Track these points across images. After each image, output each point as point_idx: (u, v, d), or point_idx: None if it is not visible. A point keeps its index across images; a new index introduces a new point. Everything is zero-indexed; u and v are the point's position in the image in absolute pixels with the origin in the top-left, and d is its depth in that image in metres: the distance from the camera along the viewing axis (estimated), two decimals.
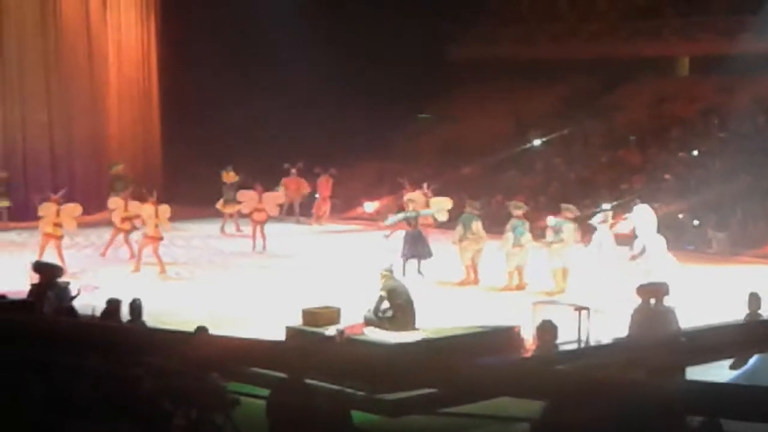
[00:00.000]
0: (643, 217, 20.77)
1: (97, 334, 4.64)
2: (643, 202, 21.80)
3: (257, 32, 34.01)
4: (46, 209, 23.32)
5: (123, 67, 35.56)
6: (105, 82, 34.95)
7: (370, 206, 27.80)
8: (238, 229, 29.09)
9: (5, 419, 5.63)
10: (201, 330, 11.54)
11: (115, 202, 25.57)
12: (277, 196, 28.69)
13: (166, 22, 35.80)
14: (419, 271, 21.77)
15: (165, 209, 23.63)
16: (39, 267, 16.15)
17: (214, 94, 33.94)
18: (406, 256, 21.92)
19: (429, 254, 22.12)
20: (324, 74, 33.50)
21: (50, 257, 21.28)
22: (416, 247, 22.13)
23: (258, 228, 26.71)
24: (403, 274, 20.58)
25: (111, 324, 11.23)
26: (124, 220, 24.75)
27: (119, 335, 4.80)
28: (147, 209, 23.67)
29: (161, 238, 23.15)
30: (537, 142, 34.41)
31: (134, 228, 24.96)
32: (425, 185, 26.51)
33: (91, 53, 34.47)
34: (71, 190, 29.71)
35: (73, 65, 33.94)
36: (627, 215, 21.93)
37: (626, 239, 21.07)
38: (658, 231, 20.38)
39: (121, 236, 24.99)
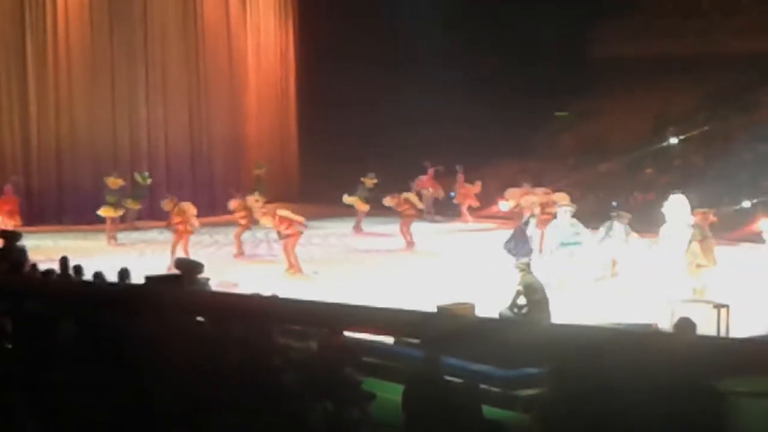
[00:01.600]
0: (678, 207, 20.66)
1: (242, 303, 4.74)
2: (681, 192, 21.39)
3: (396, 33, 34.25)
4: (170, 207, 24.09)
5: (261, 68, 36.18)
6: (244, 83, 35.60)
7: (505, 205, 27.68)
8: (360, 230, 29.47)
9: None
10: None
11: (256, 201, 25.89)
12: (416, 199, 28.95)
13: (304, 24, 36.28)
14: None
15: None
16: (180, 264, 16.47)
17: (351, 94, 34.27)
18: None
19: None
20: (463, 73, 33.54)
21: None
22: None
23: (405, 225, 26.97)
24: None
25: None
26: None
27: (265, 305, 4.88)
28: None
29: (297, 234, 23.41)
30: (674, 140, 33.85)
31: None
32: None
33: (231, 55, 35.15)
34: (210, 190, 30.40)
35: (214, 67, 34.65)
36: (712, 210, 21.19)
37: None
38: None
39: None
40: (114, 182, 28.62)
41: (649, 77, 36.58)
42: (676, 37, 37.65)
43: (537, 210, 24.34)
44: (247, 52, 35.73)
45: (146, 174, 31.35)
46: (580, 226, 21.94)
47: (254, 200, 26.10)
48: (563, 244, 21.65)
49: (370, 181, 30.00)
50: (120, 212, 28.39)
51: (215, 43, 34.75)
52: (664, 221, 20.63)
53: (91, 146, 32.64)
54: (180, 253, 22.66)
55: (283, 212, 23.48)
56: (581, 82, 37.44)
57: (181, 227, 23.73)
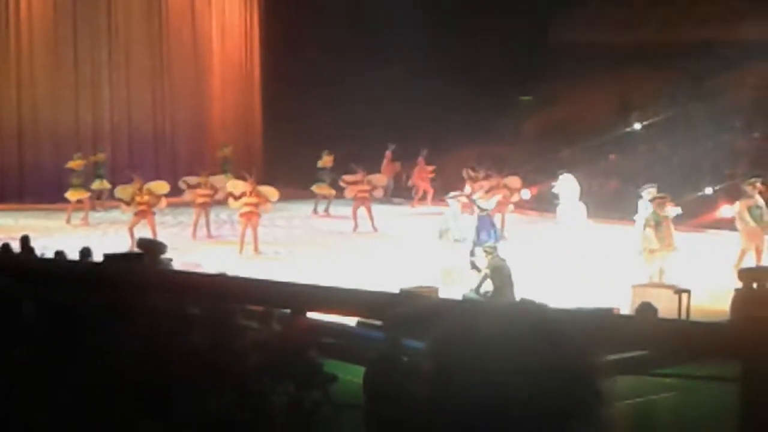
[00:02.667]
0: (567, 185, 22.13)
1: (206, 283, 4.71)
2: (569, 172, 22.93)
3: (362, 16, 34.14)
4: (124, 191, 24.02)
5: (226, 49, 36.03)
6: (208, 64, 35.44)
7: (526, 193, 27.24)
8: (328, 213, 29.52)
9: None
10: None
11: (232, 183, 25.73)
12: (380, 178, 29.05)
13: (269, 5, 36.12)
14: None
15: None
16: (143, 243, 16.33)
17: (316, 76, 34.19)
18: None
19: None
20: (429, 57, 33.51)
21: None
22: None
23: (364, 209, 26.99)
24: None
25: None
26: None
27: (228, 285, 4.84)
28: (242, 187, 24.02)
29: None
30: (638, 126, 34.05)
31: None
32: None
33: (195, 36, 34.99)
34: (174, 170, 30.33)
35: (178, 48, 34.48)
36: (554, 183, 23.18)
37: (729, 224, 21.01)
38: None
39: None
40: (77, 164, 28.52)
41: (613, 63, 36.65)
42: (639, 24, 37.78)
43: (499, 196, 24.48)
44: (211, 33, 35.54)
45: (100, 149, 31.09)
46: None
47: (225, 179, 26.15)
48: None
49: (326, 160, 30.02)
50: (86, 194, 28.26)
51: (179, 23, 34.55)
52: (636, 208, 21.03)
53: (54, 126, 32.44)
54: (146, 233, 22.55)
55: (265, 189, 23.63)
56: (546, 68, 37.49)
57: (145, 207, 23.63)
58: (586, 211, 21.88)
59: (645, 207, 20.54)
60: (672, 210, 19.96)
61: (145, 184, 23.98)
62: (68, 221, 27.49)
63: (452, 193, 22.43)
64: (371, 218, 26.92)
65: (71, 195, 27.80)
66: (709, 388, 10.71)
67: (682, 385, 12.41)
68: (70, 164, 28.49)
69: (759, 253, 20.61)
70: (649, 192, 20.92)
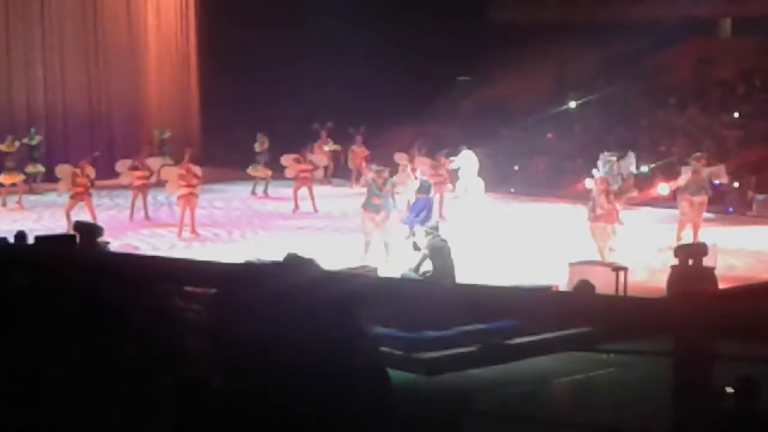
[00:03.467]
0: (467, 161, 24.18)
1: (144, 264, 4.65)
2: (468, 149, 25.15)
3: None
4: (64, 171, 23.80)
5: (161, 28, 35.69)
6: (143, 43, 35.08)
7: (590, 182, 26.83)
8: (266, 194, 29.42)
9: None
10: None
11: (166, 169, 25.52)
12: (321, 159, 29.01)
13: None
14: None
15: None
16: (80, 226, 16.17)
17: (251, 56, 33.99)
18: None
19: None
20: (365, 37, 33.42)
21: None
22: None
23: (305, 189, 26.94)
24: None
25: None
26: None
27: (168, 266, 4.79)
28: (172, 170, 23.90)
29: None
30: (574, 104, 34.29)
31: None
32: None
33: (130, 15, 34.62)
34: (110, 152, 30.08)
35: (112, 26, 34.12)
36: (453, 158, 25.18)
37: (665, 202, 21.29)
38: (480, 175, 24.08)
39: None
40: (8, 147, 28.15)
41: (549, 42, 36.84)
42: (575, 2, 37.98)
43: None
44: (146, 12, 35.15)
45: (33, 131, 30.51)
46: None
47: (164, 162, 26.00)
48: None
49: (261, 144, 29.90)
50: (20, 177, 27.91)
51: (114, 3, 34.16)
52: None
53: None
54: (81, 216, 22.32)
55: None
56: (483, 48, 37.57)
57: (82, 190, 23.39)
58: (484, 186, 23.96)
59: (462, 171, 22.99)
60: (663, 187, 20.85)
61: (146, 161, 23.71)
62: (3, 204, 27.16)
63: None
64: (312, 198, 26.85)
65: (5, 179, 27.46)
66: (647, 364, 10.85)
67: (621, 362, 12.55)
68: (2, 147, 28.11)
69: (696, 228, 20.86)
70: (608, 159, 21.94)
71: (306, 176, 27.16)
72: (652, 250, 20.23)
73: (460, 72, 38.49)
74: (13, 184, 27.57)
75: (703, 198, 21.12)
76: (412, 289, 3.29)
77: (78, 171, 23.60)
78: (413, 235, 20.09)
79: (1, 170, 27.54)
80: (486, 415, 10.88)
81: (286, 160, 27.61)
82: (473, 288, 2.90)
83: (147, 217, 25.11)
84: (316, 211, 26.58)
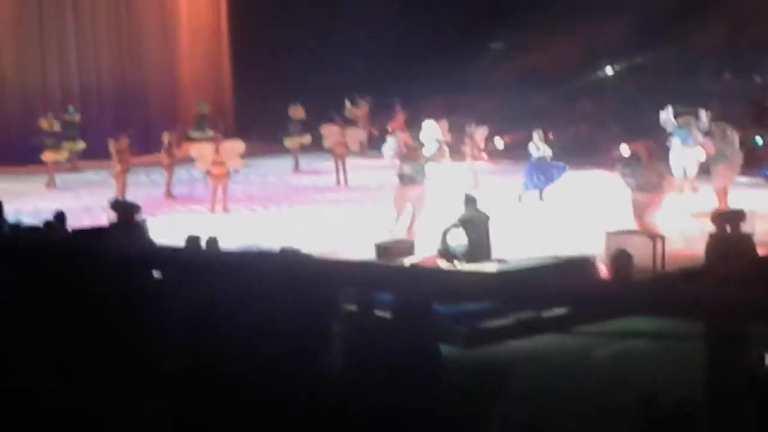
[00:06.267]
0: (429, 132, 25.15)
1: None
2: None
3: None
4: (113, 147, 23.96)
5: (193, 5, 35.77)
6: (176, 21, 35.20)
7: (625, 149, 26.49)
8: (297, 168, 29.41)
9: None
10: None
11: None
12: (358, 132, 28.96)
13: None
14: None
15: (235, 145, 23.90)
16: (116, 205, 16.27)
17: (285, 30, 33.99)
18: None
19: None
20: (395, 8, 33.31)
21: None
22: None
23: (339, 162, 26.97)
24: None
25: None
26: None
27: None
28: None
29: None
30: (609, 71, 34.10)
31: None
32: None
33: None
34: (146, 128, 30.24)
35: (144, 5, 34.23)
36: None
37: None
38: None
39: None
40: (48, 124, 28.12)
41: (581, 9, 36.55)
42: None
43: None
44: None
45: (71, 109, 30.56)
46: None
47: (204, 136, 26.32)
48: None
49: (296, 111, 29.89)
50: (63, 155, 28.07)
51: None
52: None
53: (21, 89, 32.12)
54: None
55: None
56: (515, 15, 37.30)
57: (127, 167, 23.74)
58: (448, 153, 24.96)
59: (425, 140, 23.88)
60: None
61: (220, 144, 23.70)
62: (53, 185, 27.11)
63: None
64: (345, 172, 26.88)
65: (47, 156, 27.49)
66: (683, 332, 10.83)
67: (656, 329, 12.54)
68: (42, 124, 28.07)
69: (725, 194, 20.69)
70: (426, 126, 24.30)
71: (343, 151, 27.18)
72: (687, 217, 20.11)
73: (493, 40, 38.25)
74: (57, 162, 27.68)
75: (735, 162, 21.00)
76: (452, 280, 3.32)
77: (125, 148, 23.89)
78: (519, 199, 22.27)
79: (44, 148, 27.58)
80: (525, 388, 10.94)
81: (326, 129, 27.65)
82: (505, 276, 2.95)
83: (169, 194, 25.00)
84: (346, 185, 26.60)
